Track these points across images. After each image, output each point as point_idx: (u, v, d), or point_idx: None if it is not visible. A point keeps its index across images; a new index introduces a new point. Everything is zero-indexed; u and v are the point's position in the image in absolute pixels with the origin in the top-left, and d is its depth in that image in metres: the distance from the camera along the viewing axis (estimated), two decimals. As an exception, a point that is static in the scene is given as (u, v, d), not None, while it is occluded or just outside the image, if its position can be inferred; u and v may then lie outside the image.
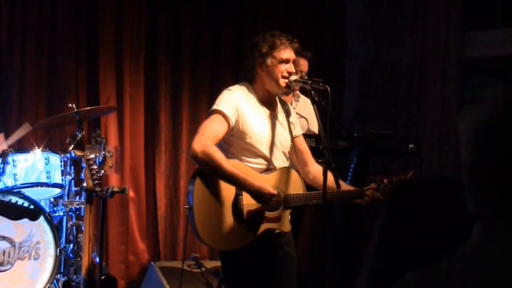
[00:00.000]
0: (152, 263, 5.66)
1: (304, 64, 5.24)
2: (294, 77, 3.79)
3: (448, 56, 6.70)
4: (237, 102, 3.74)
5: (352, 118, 6.51)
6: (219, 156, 3.60)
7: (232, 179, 3.62)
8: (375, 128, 6.09)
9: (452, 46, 6.72)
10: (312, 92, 3.79)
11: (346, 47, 7.43)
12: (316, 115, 3.87)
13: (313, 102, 3.81)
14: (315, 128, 5.20)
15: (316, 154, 4.17)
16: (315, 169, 4.00)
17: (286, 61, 3.80)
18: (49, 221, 4.77)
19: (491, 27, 6.85)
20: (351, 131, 5.77)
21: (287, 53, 3.80)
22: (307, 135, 4.79)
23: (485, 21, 6.89)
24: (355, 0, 7.42)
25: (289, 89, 3.88)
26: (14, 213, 4.35)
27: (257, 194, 3.64)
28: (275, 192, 3.68)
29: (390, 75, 7.09)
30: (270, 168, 3.80)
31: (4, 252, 4.66)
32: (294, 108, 5.34)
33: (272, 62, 3.76)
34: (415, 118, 6.86)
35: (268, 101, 3.89)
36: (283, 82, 3.78)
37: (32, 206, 4.17)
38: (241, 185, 3.65)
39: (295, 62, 3.90)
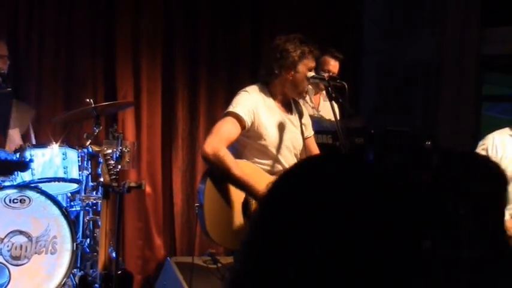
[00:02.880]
0: (168, 258, 5.66)
1: (335, 65, 5.24)
2: (311, 74, 3.80)
3: (465, 52, 6.66)
4: (253, 104, 3.74)
5: (368, 115, 6.48)
6: (229, 160, 3.60)
7: (240, 184, 3.64)
8: (392, 124, 6.07)
9: (470, 42, 6.67)
10: (329, 88, 3.78)
11: (364, 44, 7.40)
12: (333, 111, 3.86)
13: (330, 99, 3.81)
14: None
15: (333, 151, 4.15)
16: None
17: (312, 69, 3.86)
18: (66, 215, 4.78)
19: (510, 23, 6.80)
20: (367, 127, 5.74)
21: (314, 61, 3.87)
22: (324, 132, 4.78)
23: (503, 18, 6.83)
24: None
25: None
26: (5, 169, 4.41)
27: None
28: None
29: (407, 72, 7.06)
30: (280, 169, 3.80)
31: (21, 246, 4.67)
32: (319, 111, 5.36)
33: (303, 69, 3.80)
34: (433, 115, 6.82)
35: (283, 103, 3.92)
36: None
37: (20, 159, 4.18)
38: (248, 192, 3.66)
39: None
